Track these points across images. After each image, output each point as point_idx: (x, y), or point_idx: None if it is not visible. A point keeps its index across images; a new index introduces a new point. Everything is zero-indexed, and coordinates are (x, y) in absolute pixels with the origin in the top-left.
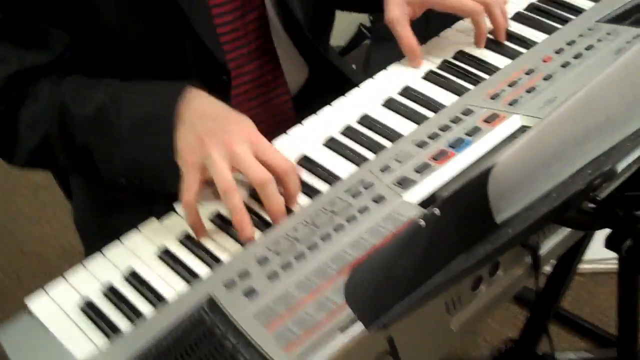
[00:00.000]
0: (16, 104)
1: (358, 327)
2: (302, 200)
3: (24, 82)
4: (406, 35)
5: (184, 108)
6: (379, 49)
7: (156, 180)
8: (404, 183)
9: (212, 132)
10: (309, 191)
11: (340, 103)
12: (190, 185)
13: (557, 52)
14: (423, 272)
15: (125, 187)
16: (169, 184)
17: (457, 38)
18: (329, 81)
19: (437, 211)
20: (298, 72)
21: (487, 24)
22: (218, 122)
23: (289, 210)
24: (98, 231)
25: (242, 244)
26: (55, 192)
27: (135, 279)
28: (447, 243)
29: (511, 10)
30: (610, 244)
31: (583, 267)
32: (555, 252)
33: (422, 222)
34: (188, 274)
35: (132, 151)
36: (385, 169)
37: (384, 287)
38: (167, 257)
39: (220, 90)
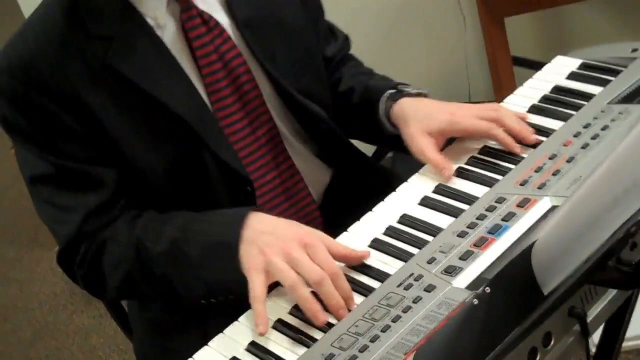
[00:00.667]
0: (99, 249)
1: None
2: (358, 298)
3: (97, 224)
4: (435, 159)
5: (245, 230)
6: (402, 160)
7: (231, 294)
8: (451, 271)
9: (270, 244)
10: (363, 289)
11: (380, 208)
12: (256, 285)
13: (575, 135)
14: (483, 347)
15: (204, 305)
16: (243, 296)
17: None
18: (359, 178)
19: (487, 289)
20: (320, 175)
21: None
22: (274, 234)
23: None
24: (160, 356)
25: (306, 346)
26: (105, 334)
27: None
28: (501, 318)
29: (526, 104)
30: None
31: (629, 344)
32: (602, 318)
33: (476, 301)
34: None
35: (205, 275)
36: (431, 261)
37: None
38: None
39: (247, 200)
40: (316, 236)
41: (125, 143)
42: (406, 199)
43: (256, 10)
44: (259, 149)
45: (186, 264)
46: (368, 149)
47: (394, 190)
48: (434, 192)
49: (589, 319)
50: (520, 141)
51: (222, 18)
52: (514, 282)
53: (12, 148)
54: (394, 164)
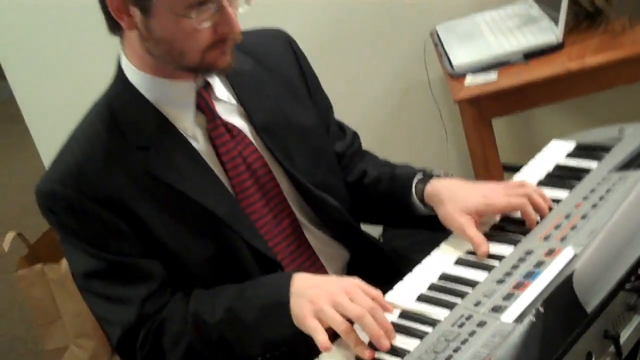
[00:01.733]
0: (158, 330)
1: None
2: (415, 342)
3: (152, 310)
4: (476, 237)
5: (292, 288)
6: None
7: (285, 347)
8: (498, 309)
9: (317, 294)
10: (419, 334)
11: (418, 269)
12: (316, 329)
13: (585, 198)
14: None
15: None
16: (297, 348)
17: None
18: (371, 261)
19: (541, 309)
20: (337, 255)
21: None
22: (318, 287)
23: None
24: None
25: None
26: None
27: None
28: (554, 333)
29: (533, 182)
30: None
31: None
32: (632, 339)
33: (532, 318)
34: None
35: (262, 334)
36: (477, 304)
37: None
38: None
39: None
40: (353, 282)
41: (168, 240)
42: (442, 260)
43: (270, 116)
44: (282, 235)
45: (242, 328)
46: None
47: (398, 267)
48: (468, 252)
49: (621, 341)
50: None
51: (241, 124)
52: (561, 303)
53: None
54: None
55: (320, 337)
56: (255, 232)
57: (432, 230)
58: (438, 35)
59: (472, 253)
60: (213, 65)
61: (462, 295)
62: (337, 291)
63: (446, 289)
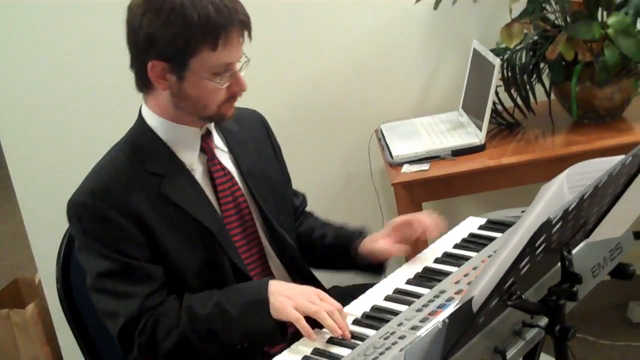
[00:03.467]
0: (155, 321)
1: None
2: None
3: (152, 305)
4: (393, 249)
5: (270, 288)
6: None
7: (262, 339)
8: (415, 328)
9: (293, 293)
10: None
11: (360, 299)
12: (299, 318)
13: (489, 255)
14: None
15: (240, 349)
16: (272, 339)
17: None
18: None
19: (446, 320)
20: None
21: None
22: (293, 288)
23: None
24: None
25: None
26: None
27: None
28: (452, 338)
29: (450, 243)
30: (547, 330)
31: None
32: (518, 355)
33: (439, 325)
34: None
35: (243, 326)
36: (400, 324)
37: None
38: None
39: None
40: (318, 290)
41: (170, 250)
42: (376, 295)
43: (252, 165)
44: (252, 259)
45: (227, 320)
46: None
47: None
48: (394, 291)
49: (508, 356)
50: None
51: (231, 167)
52: (461, 315)
53: None
54: None
55: (304, 324)
56: (236, 250)
57: (364, 271)
58: (382, 132)
59: (398, 292)
60: (225, 115)
61: (387, 320)
62: (309, 292)
63: (375, 317)
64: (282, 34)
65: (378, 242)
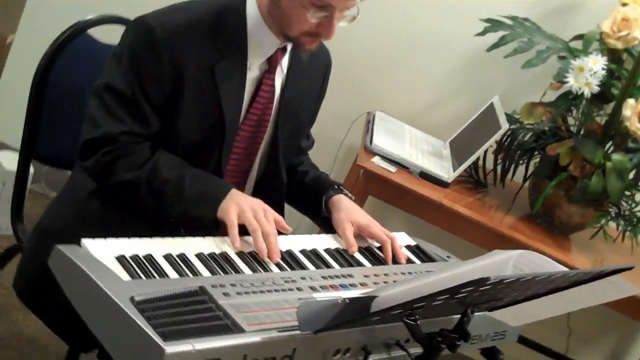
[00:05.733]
0: (124, 153)
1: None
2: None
3: (129, 140)
4: (351, 240)
5: (228, 194)
6: None
7: (192, 225)
8: (313, 289)
9: (244, 203)
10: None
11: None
12: (234, 224)
13: (402, 273)
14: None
15: (170, 221)
16: (201, 226)
17: None
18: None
19: (347, 300)
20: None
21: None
22: (246, 200)
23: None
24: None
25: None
26: None
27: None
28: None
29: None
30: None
31: None
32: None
33: (339, 300)
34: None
35: (188, 207)
36: (303, 278)
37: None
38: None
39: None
40: (269, 208)
41: (183, 114)
42: (319, 242)
43: (294, 97)
44: (236, 168)
45: (180, 193)
46: None
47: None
48: (312, 251)
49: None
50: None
51: (278, 87)
52: (362, 304)
53: None
54: None
55: (233, 232)
56: (229, 154)
57: (322, 228)
58: (374, 117)
59: (314, 253)
60: (301, 45)
61: (293, 268)
62: (258, 207)
63: (285, 260)
64: None
65: (344, 225)
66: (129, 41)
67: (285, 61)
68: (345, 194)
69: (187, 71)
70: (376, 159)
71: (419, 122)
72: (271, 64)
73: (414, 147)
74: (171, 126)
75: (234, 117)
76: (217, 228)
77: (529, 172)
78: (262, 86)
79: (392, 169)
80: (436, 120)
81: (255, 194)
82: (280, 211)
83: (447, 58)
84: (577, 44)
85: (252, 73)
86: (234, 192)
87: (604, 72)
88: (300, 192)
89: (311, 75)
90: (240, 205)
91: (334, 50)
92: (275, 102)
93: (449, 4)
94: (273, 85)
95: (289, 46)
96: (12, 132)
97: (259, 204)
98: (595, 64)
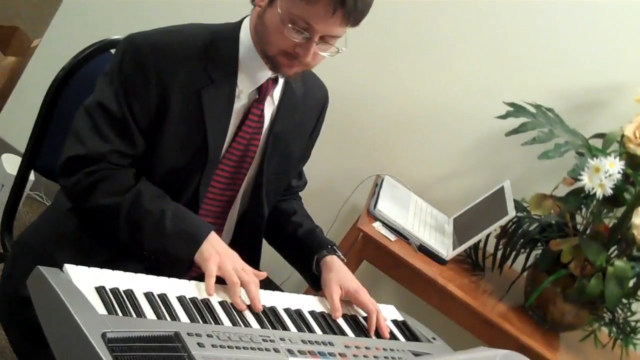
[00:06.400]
0: (107, 176)
1: None
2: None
3: (114, 160)
4: (337, 304)
5: (208, 237)
6: None
7: (169, 262)
8: (291, 352)
9: (225, 254)
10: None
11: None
12: (212, 274)
13: (384, 348)
14: None
15: (141, 257)
16: (177, 269)
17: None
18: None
19: None
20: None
21: None
22: (227, 252)
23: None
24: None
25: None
26: None
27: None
28: None
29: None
30: None
31: None
32: None
33: None
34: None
35: (166, 244)
36: (282, 339)
37: None
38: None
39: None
40: (247, 266)
41: (165, 136)
42: (305, 303)
43: (283, 130)
44: (215, 201)
45: (158, 229)
46: None
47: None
48: (296, 311)
49: None
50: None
51: (267, 118)
52: None
53: None
54: None
55: (211, 282)
56: (208, 183)
57: (308, 282)
58: (382, 182)
59: (298, 313)
60: (279, 67)
61: (275, 328)
62: (237, 261)
63: (267, 316)
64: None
65: (333, 288)
66: (117, 59)
67: (277, 93)
68: (338, 256)
69: (173, 93)
70: (377, 225)
71: (427, 194)
72: (261, 93)
73: (418, 218)
74: (153, 148)
75: (218, 144)
76: (189, 269)
77: (529, 262)
78: (249, 115)
79: (392, 237)
80: (444, 194)
81: (237, 227)
82: (257, 249)
83: (464, 134)
84: (597, 142)
85: (241, 101)
86: (213, 237)
87: (619, 175)
88: (292, 244)
89: (305, 111)
90: (220, 255)
91: (354, 108)
92: (263, 134)
93: (475, 80)
94: (262, 116)
95: (281, 77)
96: (22, 136)
97: (238, 261)
98: (612, 167)
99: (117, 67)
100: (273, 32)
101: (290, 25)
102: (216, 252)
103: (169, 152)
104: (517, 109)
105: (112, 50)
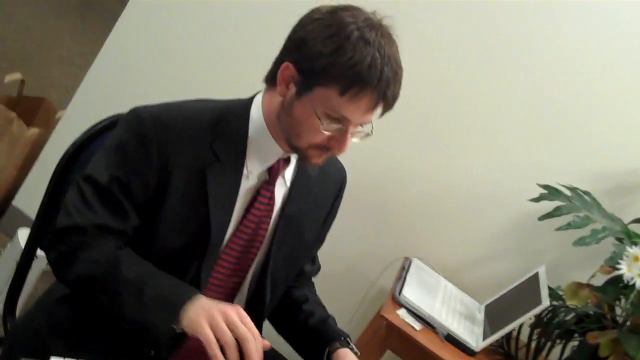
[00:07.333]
0: (87, 245)
1: None
2: None
3: (101, 233)
4: None
5: (192, 299)
6: None
7: (147, 335)
8: None
9: (214, 309)
10: None
11: None
12: (210, 341)
13: None
14: None
15: (123, 329)
16: (155, 344)
17: None
18: None
19: None
20: None
21: None
22: (216, 306)
23: None
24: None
25: None
26: None
27: None
28: None
29: None
30: None
31: None
32: None
33: None
34: None
35: (144, 312)
36: None
37: None
38: None
39: None
40: (242, 311)
41: (165, 217)
42: None
43: (296, 214)
44: (221, 285)
45: (137, 297)
46: None
47: None
48: None
49: None
50: None
51: (278, 200)
52: None
53: None
54: None
55: (216, 351)
56: (211, 269)
57: None
58: (410, 265)
59: None
60: (309, 159)
61: None
62: (230, 312)
63: None
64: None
65: None
66: (120, 130)
67: (289, 173)
68: (352, 349)
69: (176, 170)
70: (402, 312)
71: (457, 278)
72: (271, 174)
73: (446, 304)
74: (150, 227)
75: (222, 227)
76: (177, 342)
77: (565, 354)
78: (259, 197)
79: (417, 326)
80: (475, 279)
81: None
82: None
83: (495, 217)
84: (637, 227)
85: (249, 182)
86: (200, 299)
87: None
88: (302, 334)
89: (320, 192)
90: (209, 312)
91: (382, 186)
92: (273, 217)
93: (507, 161)
94: (272, 198)
95: (294, 157)
96: None
97: (226, 306)
98: None
99: (118, 139)
100: (304, 125)
101: (326, 121)
102: (204, 310)
103: (167, 232)
104: (551, 192)
105: None
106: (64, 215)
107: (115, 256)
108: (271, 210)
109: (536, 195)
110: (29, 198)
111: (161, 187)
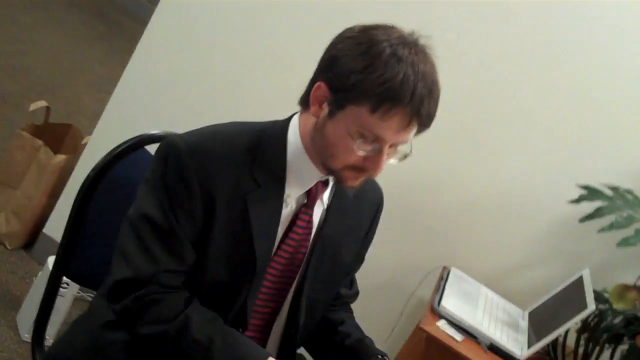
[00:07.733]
0: (156, 300)
1: None
2: None
3: (163, 281)
4: None
5: None
6: None
7: None
8: None
9: None
10: None
11: None
12: None
13: None
14: None
15: None
16: None
17: None
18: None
19: None
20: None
21: None
22: None
23: None
24: None
25: None
26: None
27: None
28: None
29: None
30: None
31: None
32: None
33: None
34: None
35: None
36: None
37: None
38: None
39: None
40: None
41: (211, 249)
42: None
43: (333, 235)
44: (262, 309)
45: (207, 358)
46: None
47: None
48: None
49: None
50: None
51: (315, 222)
52: None
53: None
54: None
55: None
56: (255, 293)
57: None
58: (448, 274)
59: None
60: (345, 181)
61: None
62: None
63: None
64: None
65: None
66: (158, 165)
67: (326, 195)
68: None
69: (218, 200)
70: (442, 323)
71: (498, 285)
72: (310, 197)
73: (488, 313)
74: (199, 262)
75: (266, 253)
76: None
77: (615, 359)
78: (297, 221)
79: (458, 337)
80: (517, 285)
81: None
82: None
83: (535, 220)
84: None
85: (289, 207)
86: None
87: None
88: (338, 354)
89: (357, 214)
90: None
91: (419, 195)
92: (312, 237)
93: (545, 163)
94: (310, 221)
95: (332, 180)
96: None
97: None
98: None
99: (159, 176)
100: (338, 146)
101: (359, 140)
102: None
103: (215, 265)
104: (591, 192)
105: (147, 147)
106: (123, 262)
107: (184, 314)
108: (309, 234)
109: (576, 196)
110: (59, 225)
111: (207, 220)
